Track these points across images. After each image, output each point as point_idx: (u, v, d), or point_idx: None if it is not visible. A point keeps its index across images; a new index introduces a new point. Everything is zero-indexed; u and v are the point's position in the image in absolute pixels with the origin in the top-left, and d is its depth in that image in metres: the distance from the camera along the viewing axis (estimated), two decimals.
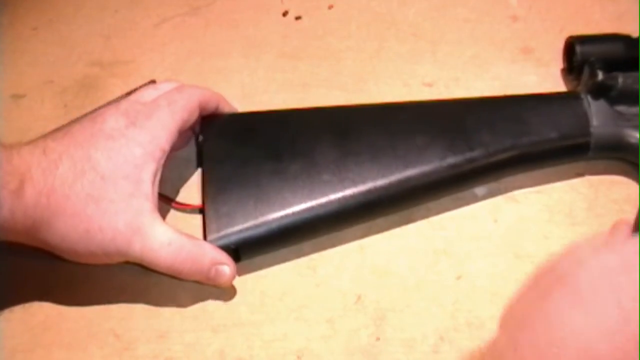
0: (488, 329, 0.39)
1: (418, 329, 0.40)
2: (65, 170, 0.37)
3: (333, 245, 0.43)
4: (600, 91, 0.44)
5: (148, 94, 0.42)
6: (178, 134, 0.41)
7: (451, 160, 0.41)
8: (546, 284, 0.32)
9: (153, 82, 0.52)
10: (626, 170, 0.45)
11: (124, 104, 0.41)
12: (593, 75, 0.43)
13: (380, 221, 0.44)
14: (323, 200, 0.40)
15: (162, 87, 0.43)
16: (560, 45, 0.48)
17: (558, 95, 0.45)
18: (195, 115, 0.42)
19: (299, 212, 0.40)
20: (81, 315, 0.41)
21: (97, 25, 0.56)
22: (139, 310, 0.41)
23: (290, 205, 0.40)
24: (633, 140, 0.43)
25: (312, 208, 0.40)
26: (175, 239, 0.38)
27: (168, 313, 0.41)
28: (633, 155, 0.43)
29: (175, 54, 0.54)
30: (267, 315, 0.41)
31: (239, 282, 0.42)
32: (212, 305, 0.41)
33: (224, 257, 0.39)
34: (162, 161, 0.40)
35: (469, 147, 0.42)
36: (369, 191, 0.41)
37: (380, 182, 0.41)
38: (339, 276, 0.42)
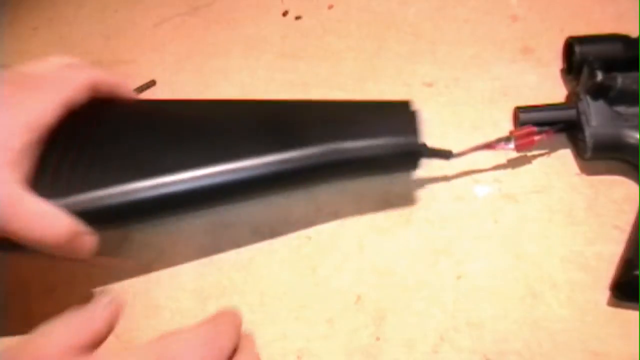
0: (488, 329, 0.40)
1: (418, 329, 0.40)
2: None
3: (333, 245, 0.43)
4: (599, 91, 0.44)
5: (36, 66, 0.40)
6: (64, 112, 0.39)
7: (270, 158, 0.40)
8: None
9: (153, 82, 0.53)
10: (626, 170, 0.45)
11: (10, 72, 0.39)
12: (592, 75, 0.43)
13: (380, 221, 0.44)
14: (137, 185, 0.39)
15: (53, 62, 0.41)
16: (560, 45, 0.48)
17: (392, 103, 0.43)
18: (84, 97, 0.40)
19: (109, 196, 0.39)
20: None
21: (97, 25, 0.56)
22: (139, 310, 0.41)
23: (99, 187, 0.39)
24: (632, 141, 0.43)
25: (124, 193, 0.39)
26: (43, 207, 0.36)
27: (168, 313, 0.41)
28: (632, 155, 0.43)
29: (175, 54, 0.54)
30: (267, 315, 0.41)
31: (238, 281, 0.42)
32: (212, 305, 0.41)
33: (82, 227, 0.38)
34: (42, 135, 0.37)
35: (290, 146, 0.41)
36: (178, 182, 0.40)
37: (191, 173, 0.40)
38: (338, 276, 0.42)
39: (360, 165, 0.42)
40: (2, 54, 0.54)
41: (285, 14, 0.56)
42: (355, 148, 0.41)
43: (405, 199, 0.45)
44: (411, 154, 0.42)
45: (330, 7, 0.56)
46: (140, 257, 0.44)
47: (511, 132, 0.45)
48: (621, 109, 0.43)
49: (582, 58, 0.45)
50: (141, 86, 0.52)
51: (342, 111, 0.43)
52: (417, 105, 0.42)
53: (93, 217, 0.39)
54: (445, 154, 0.44)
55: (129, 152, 0.41)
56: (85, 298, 0.42)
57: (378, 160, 0.41)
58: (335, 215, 0.45)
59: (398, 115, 0.42)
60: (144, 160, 0.40)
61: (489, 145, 0.44)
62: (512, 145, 0.44)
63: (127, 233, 0.45)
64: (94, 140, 0.41)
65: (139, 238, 0.45)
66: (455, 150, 0.44)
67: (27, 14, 0.57)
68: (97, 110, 0.42)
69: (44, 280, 0.42)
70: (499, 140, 0.44)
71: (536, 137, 0.44)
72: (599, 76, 0.43)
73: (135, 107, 0.44)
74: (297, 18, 0.56)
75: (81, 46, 0.55)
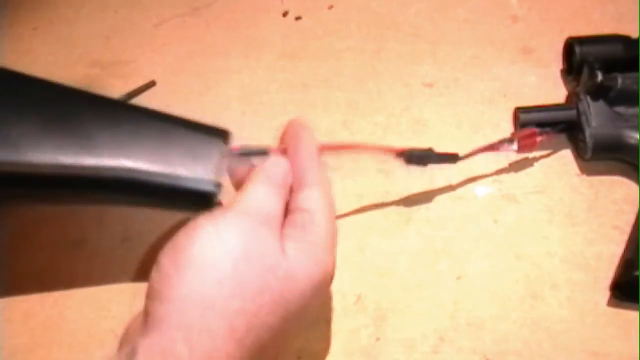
0: (488, 329, 0.39)
1: (418, 329, 0.40)
2: None
3: None
4: (599, 92, 0.44)
5: None
6: None
7: (60, 158, 0.35)
8: None
9: (153, 82, 0.53)
10: (626, 171, 0.45)
11: None
12: (592, 76, 0.43)
13: (380, 221, 0.44)
14: None
15: None
16: (560, 46, 0.49)
17: (207, 128, 0.38)
18: None
19: None
20: (81, 315, 0.41)
21: (97, 26, 0.56)
22: (139, 311, 0.41)
23: None
24: (632, 141, 0.43)
25: None
26: None
27: None
28: (632, 156, 0.43)
29: (175, 54, 0.54)
30: None
31: None
32: None
33: None
34: None
35: (83, 149, 0.35)
36: None
37: None
38: (339, 276, 0.42)
39: (148, 193, 0.36)
40: (2, 54, 0.54)
41: (285, 14, 0.56)
42: (146, 172, 0.35)
43: (405, 199, 0.45)
44: (201, 194, 0.35)
45: (330, 7, 0.56)
46: None
47: (513, 134, 0.45)
48: (621, 109, 0.43)
49: (582, 58, 0.45)
50: (141, 86, 0.52)
51: (146, 125, 0.37)
52: (235, 134, 0.38)
53: None
54: (451, 158, 0.44)
55: None
56: (85, 298, 0.42)
57: (165, 191, 0.36)
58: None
59: (204, 145, 0.37)
60: None
61: (492, 147, 0.44)
62: (514, 146, 0.44)
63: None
64: None
65: None
66: (460, 154, 0.44)
67: (27, 14, 0.58)
68: None
69: (44, 279, 0.42)
70: (501, 142, 0.44)
71: (538, 138, 0.44)
72: (599, 76, 0.43)
73: None
74: (297, 18, 0.56)
75: (81, 46, 0.55)
